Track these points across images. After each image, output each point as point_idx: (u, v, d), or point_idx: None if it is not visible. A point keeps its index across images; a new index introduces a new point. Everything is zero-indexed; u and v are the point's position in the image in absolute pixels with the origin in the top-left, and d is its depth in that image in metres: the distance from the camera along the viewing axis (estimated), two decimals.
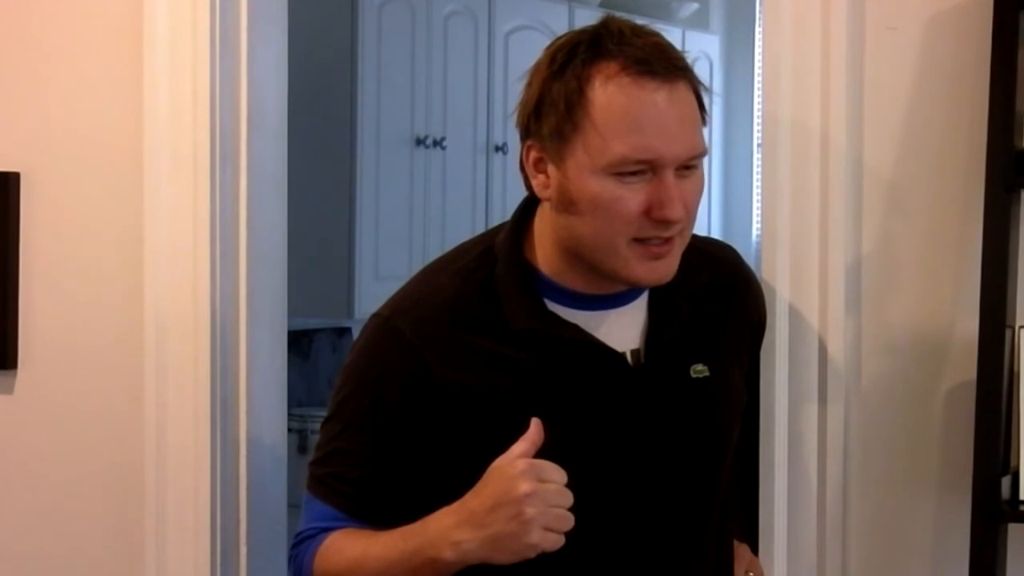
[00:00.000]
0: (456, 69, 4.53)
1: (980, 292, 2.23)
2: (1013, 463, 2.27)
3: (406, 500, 1.99)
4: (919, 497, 2.38)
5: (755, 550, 2.35)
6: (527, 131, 1.95)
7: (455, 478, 1.93)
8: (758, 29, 5.30)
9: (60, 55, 2.92)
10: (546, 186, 1.95)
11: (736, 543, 2.22)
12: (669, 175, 1.89)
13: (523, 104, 1.94)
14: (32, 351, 2.96)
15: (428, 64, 4.44)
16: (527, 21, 4.72)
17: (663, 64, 1.88)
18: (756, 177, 5.63)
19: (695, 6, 5.72)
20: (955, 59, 2.34)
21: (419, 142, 4.42)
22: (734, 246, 2.26)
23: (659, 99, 1.87)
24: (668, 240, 1.92)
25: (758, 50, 5.29)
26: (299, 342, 4.56)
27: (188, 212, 2.77)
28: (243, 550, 2.80)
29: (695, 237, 2.12)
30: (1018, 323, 2.30)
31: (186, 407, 2.77)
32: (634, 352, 2.01)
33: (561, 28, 4.85)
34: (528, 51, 4.79)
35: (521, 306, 1.96)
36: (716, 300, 2.09)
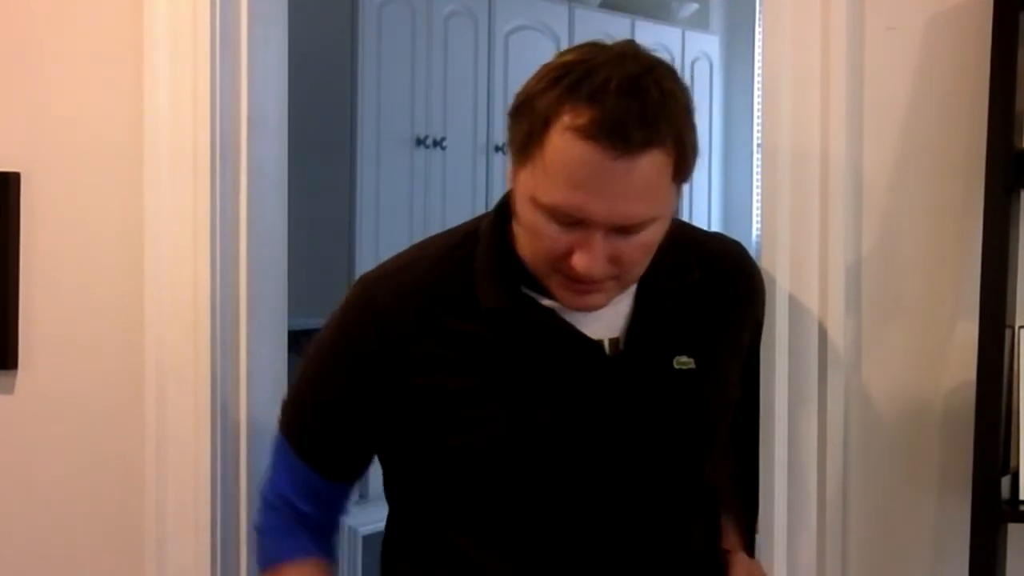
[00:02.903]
0: (456, 69, 4.53)
1: (980, 292, 2.23)
2: (1013, 463, 2.27)
3: (364, 456, 2.08)
4: (919, 497, 2.38)
5: (752, 549, 2.34)
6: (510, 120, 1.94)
7: (415, 446, 2.00)
8: (758, 29, 5.30)
9: (60, 55, 2.92)
10: (510, 180, 1.95)
11: (734, 552, 2.20)
12: (597, 235, 1.85)
13: (516, 96, 1.91)
14: (32, 351, 2.96)
15: (428, 64, 4.45)
16: (527, 21, 4.72)
17: (638, 131, 1.80)
18: (756, 177, 5.63)
19: (695, 6, 5.73)
20: (955, 59, 2.34)
21: (419, 142, 4.42)
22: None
23: (612, 167, 1.80)
24: (594, 282, 1.91)
25: (758, 50, 5.29)
26: (299, 342, 4.55)
27: (188, 212, 2.77)
28: (243, 549, 2.80)
29: (698, 230, 2.13)
30: (1018, 323, 2.30)
31: (186, 407, 2.77)
32: (613, 341, 2.00)
33: (561, 28, 4.86)
34: (528, 51, 4.81)
35: (493, 286, 1.97)
36: (711, 294, 2.08)
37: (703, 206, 5.74)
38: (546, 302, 1.97)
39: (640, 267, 1.94)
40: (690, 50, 5.56)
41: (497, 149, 4.65)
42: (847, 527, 2.41)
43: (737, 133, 5.97)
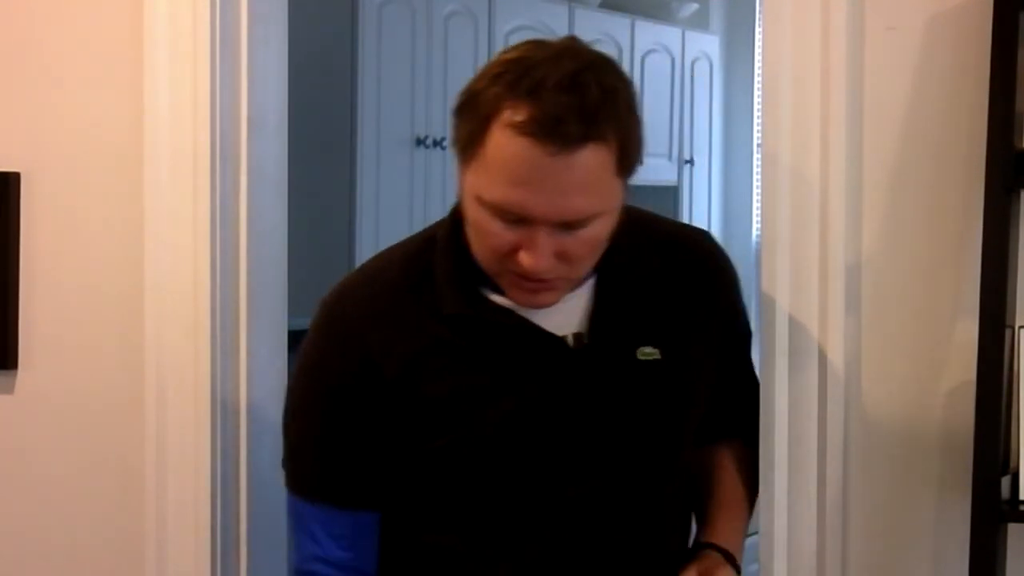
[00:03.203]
0: (456, 69, 4.53)
1: (980, 292, 2.23)
2: (1013, 463, 2.27)
3: (374, 476, 2.05)
4: (919, 497, 2.38)
5: (741, 547, 2.25)
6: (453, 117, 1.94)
7: (398, 452, 2.01)
8: (758, 29, 5.30)
9: (60, 55, 2.92)
10: (458, 181, 1.96)
11: (708, 552, 2.13)
12: (541, 232, 1.86)
13: (458, 95, 1.91)
14: (32, 351, 2.96)
15: (428, 64, 4.45)
16: (527, 21, 4.72)
17: (576, 126, 1.80)
18: (756, 177, 5.63)
19: (695, 6, 5.73)
20: (955, 59, 2.34)
21: (419, 142, 4.42)
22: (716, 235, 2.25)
23: (551, 163, 1.81)
24: (544, 280, 1.91)
25: (758, 50, 5.29)
26: (299, 342, 4.55)
27: (188, 212, 2.77)
28: (243, 550, 2.80)
29: (660, 220, 2.13)
30: (1018, 323, 2.30)
31: (186, 407, 2.77)
32: (577, 335, 2.00)
33: (561, 28, 4.86)
34: None
35: (452, 291, 1.98)
36: (675, 283, 2.08)
37: (703, 206, 5.74)
38: (505, 302, 1.98)
39: (589, 262, 1.94)
40: (690, 50, 5.57)
41: None
42: (847, 527, 2.41)
43: (737, 133, 5.97)
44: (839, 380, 2.39)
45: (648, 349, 2.03)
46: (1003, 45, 2.25)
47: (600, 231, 1.91)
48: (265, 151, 2.85)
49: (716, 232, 5.81)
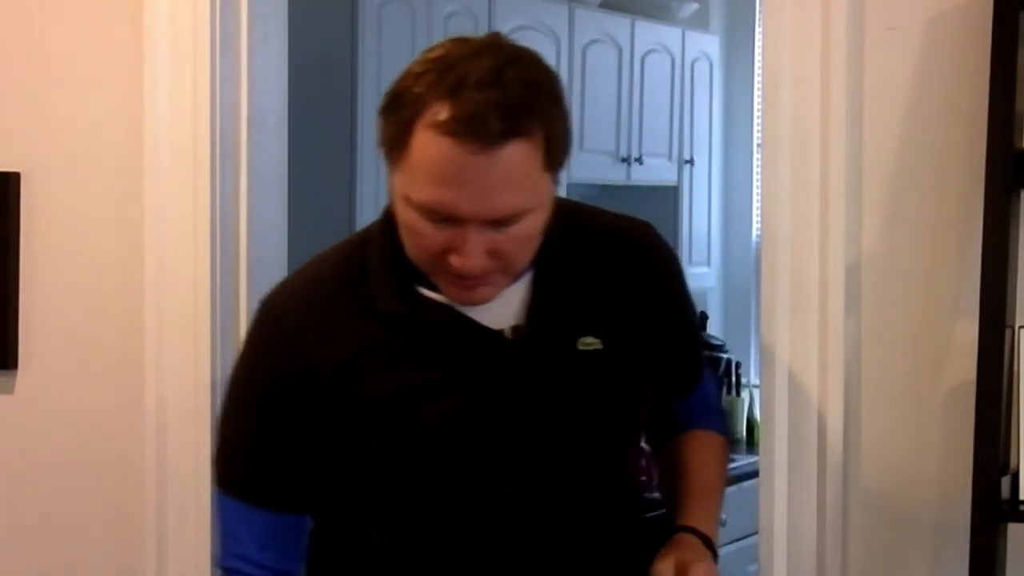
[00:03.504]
0: None
1: (980, 292, 2.23)
2: (1013, 463, 2.27)
3: (303, 480, 2.05)
4: (919, 497, 2.39)
5: (715, 529, 2.17)
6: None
7: (335, 453, 2.00)
8: (758, 29, 5.31)
9: (60, 55, 2.92)
10: (388, 181, 1.95)
11: (683, 535, 2.09)
12: (471, 231, 1.85)
13: (384, 95, 1.90)
14: (32, 351, 2.96)
15: None
16: (527, 21, 4.72)
17: (498, 123, 1.79)
18: (756, 177, 5.63)
19: (695, 6, 5.73)
20: (955, 59, 2.34)
21: None
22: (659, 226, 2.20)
23: (474, 162, 1.80)
24: (476, 277, 1.91)
25: (758, 50, 5.29)
26: None
27: (188, 212, 2.77)
28: None
29: (598, 211, 2.12)
30: (1018, 323, 2.30)
31: (186, 407, 2.77)
32: (515, 328, 2.00)
33: (561, 28, 4.86)
34: None
35: (386, 288, 1.98)
36: (615, 274, 2.06)
37: (703, 206, 5.74)
38: (441, 298, 1.97)
39: (524, 258, 1.93)
40: (690, 50, 5.56)
41: None
42: (847, 527, 2.41)
43: (737, 133, 5.97)
44: (839, 380, 2.40)
45: (589, 339, 2.01)
46: (1003, 45, 2.25)
47: (532, 227, 1.90)
48: (265, 151, 2.85)
49: (716, 232, 5.81)
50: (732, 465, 5.08)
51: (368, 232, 2.06)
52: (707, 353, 2.29)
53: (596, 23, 5.04)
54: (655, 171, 5.39)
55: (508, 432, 1.98)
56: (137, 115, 2.83)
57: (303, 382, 1.98)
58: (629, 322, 2.06)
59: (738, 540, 4.95)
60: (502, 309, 1.98)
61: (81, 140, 2.91)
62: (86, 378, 2.91)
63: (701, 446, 2.22)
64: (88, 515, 2.92)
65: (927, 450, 2.38)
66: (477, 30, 4.52)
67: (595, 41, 5.01)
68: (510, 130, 1.80)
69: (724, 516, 5.03)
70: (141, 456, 2.83)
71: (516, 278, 1.97)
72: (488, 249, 1.87)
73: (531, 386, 1.99)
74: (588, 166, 4.99)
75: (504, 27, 4.62)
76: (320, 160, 4.15)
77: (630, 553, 2.09)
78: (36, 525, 2.96)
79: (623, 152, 5.20)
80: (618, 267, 2.07)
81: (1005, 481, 2.24)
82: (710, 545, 2.08)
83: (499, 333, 1.99)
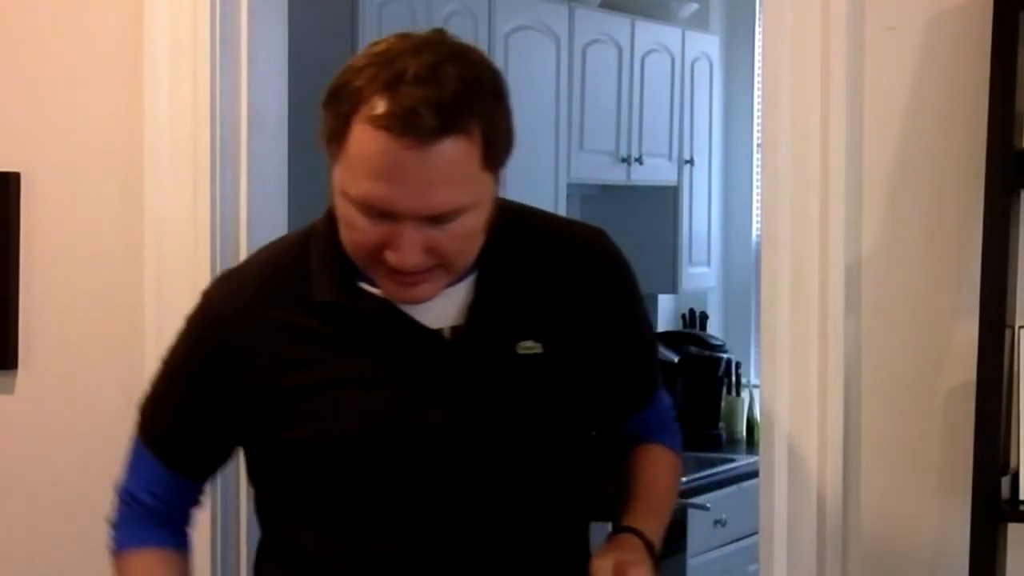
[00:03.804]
0: None
1: (980, 292, 2.23)
2: (1013, 463, 2.27)
3: (214, 455, 2.11)
4: (919, 497, 2.39)
5: (659, 536, 2.11)
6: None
7: (256, 442, 2.03)
8: (758, 29, 5.31)
9: (60, 55, 2.92)
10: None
11: (626, 535, 2.06)
12: (407, 227, 1.85)
13: (325, 89, 1.90)
14: (32, 351, 2.96)
15: None
16: (527, 21, 4.72)
17: (433, 119, 1.79)
18: (756, 177, 5.63)
19: (695, 6, 5.72)
20: (955, 59, 2.34)
21: None
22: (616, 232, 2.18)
23: (407, 156, 1.80)
24: (414, 273, 1.90)
25: (758, 50, 5.29)
26: None
27: (188, 212, 2.77)
28: (243, 550, 2.80)
29: (550, 216, 2.11)
30: (1018, 323, 2.30)
31: None
32: (454, 328, 1.98)
33: (561, 28, 4.86)
34: (528, 51, 4.81)
35: (326, 280, 1.98)
36: (561, 280, 2.04)
37: (703, 206, 5.73)
38: (381, 293, 1.96)
39: (464, 256, 1.92)
40: (690, 50, 5.56)
41: None
42: (847, 527, 2.41)
43: (737, 133, 5.96)
44: (839, 380, 2.40)
45: (529, 343, 1.99)
46: (1003, 45, 2.25)
47: (470, 225, 1.89)
48: (265, 151, 2.85)
49: (716, 232, 5.81)
50: (732, 465, 5.11)
51: (314, 226, 2.06)
52: (662, 373, 2.23)
53: (596, 23, 5.04)
54: (655, 171, 5.39)
55: (439, 433, 1.96)
56: (137, 115, 2.83)
57: (225, 366, 2.00)
58: (572, 328, 2.03)
59: (738, 540, 4.95)
60: (443, 308, 1.97)
61: (81, 140, 2.91)
62: (86, 378, 2.91)
63: (653, 459, 2.17)
64: (88, 515, 2.91)
65: (927, 450, 2.38)
66: (477, 30, 4.52)
67: (595, 41, 5.01)
68: (445, 126, 1.80)
69: (724, 516, 5.05)
70: None
71: (460, 278, 1.96)
72: (425, 246, 1.86)
73: (466, 387, 1.97)
74: (588, 166, 4.99)
75: (504, 27, 4.63)
76: (320, 160, 4.15)
77: (572, 558, 2.05)
78: (36, 525, 2.96)
79: (623, 152, 5.20)
80: (565, 272, 2.05)
81: (1005, 481, 2.25)
82: (652, 551, 2.04)
83: (437, 332, 1.97)
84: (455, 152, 1.82)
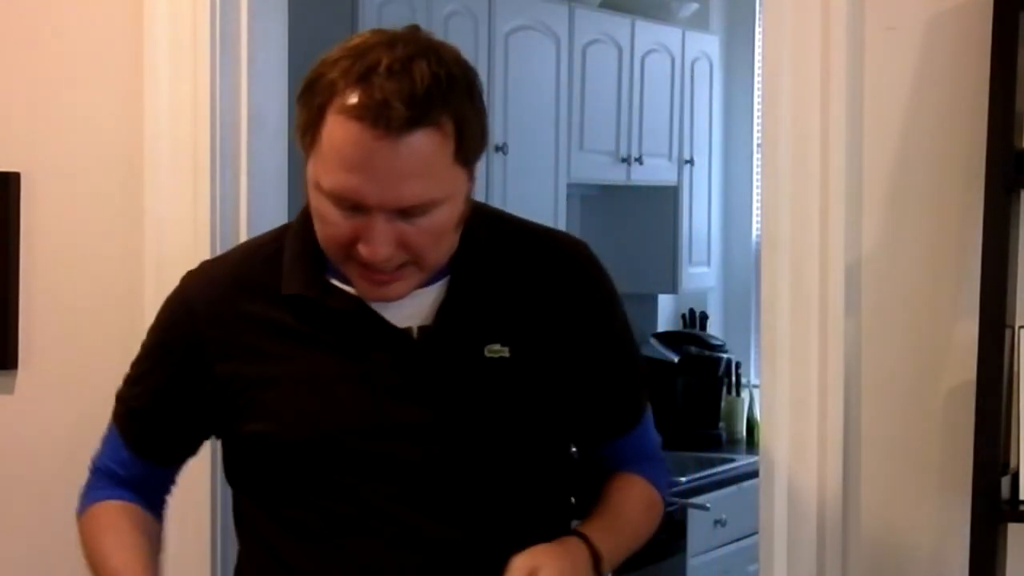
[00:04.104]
0: None
1: (980, 292, 2.24)
2: (1013, 463, 2.27)
3: (180, 443, 2.15)
4: (919, 497, 2.39)
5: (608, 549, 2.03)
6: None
7: (220, 432, 2.07)
8: (758, 29, 5.31)
9: (60, 55, 2.92)
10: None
11: (570, 538, 2.01)
12: (379, 220, 1.85)
13: (300, 82, 1.91)
14: (32, 351, 2.96)
15: None
16: (527, 21, 4.72)
17: (402, 111, 1.80)
18: (756, 177, 5.63)
19: (695, 6, 5.72)
20: (955, 59, 2.34)
21: None
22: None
23: (378, 148, 1.81)
24: (386, 270, 1.90)
25: (758, 50, 5.29)
26: None
27: (188, 212, 2.78)
28: None
29: (530, 223, 2.10)
30: (1018, 323, 2.30)
31: None
32: (423, 328, 1.98)
33: (561, 28, 4.86)
34: (528, 51, 4.80)
35: (297, 274, 1.98)
36: (535, 287, 2.03)
37: (703, 206, 5.73)
38: (352, 290, 1.96)
39: (435, 252, 1.92)
40: (690, 50, 5.56)
41: (497, 149, 4.64)
42: (847, 527, 2.41)
43: (737, 133, 5.96)
44: (839, 380, 2.40)
45: (496, 347, 1.99)
46: (1003, 45, 2.25)
47: (442, 220, 1.89)
48: (265, 151, 2.85)
49: (716, 232, 5.81)
50: (732, 465, 5.11)
51: (292, 222, 2.07)
52: (649, 400, 2.16)
53: (596, 23, 5.04)
54: (655, 171, 5.39)
55: (403, 432, 1.95)
56: (137, 115, 2.83)
57: (191, 351, 2.02)
58: (544, 335, 2.02)
59: (738, 540, 4.95)
60: (413, 308, 1.97)
61: (81, 140, 2.91)
62: (86, 378, 2.91)
63: (629, 487, 2.11)
64: None
65: (927, 450, 2.38)
66: (477, 30, 4.52)
67: (595, 41, 5.01)
68: (416, 118, 1.81)
69: (724, 516, 5.03)
70: None
71: (433, 279, 1.96)
72: (397, 240, 1.87)
73: (432, 388, 1.96)
74: (588, 166, 4.99)
75: (504, 27, 4.63)
76: None
77: None
78: (36, 525, 2.96)
79: (623, 152, 5.20)
80: (541, 278, 2.04)
81: (1005, 481, 2.25)
82: (598, 563, 1.99)
83: (405, 331, 1.97)
84: (426, 145, 1.83)
